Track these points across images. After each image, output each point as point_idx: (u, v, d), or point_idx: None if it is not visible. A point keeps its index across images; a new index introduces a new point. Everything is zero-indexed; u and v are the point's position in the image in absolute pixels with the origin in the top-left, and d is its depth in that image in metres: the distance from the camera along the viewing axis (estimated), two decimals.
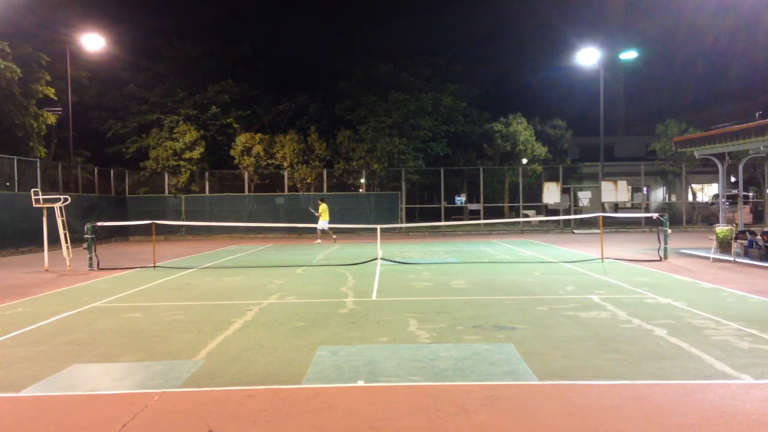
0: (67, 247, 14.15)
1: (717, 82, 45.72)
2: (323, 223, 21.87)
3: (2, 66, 21.40)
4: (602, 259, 14.52)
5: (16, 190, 20.44)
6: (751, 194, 33.64)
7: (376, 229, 16.59)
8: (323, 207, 22.23)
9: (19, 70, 22.13)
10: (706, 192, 41.35)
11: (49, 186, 23.42)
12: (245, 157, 30.33)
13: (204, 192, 29.92)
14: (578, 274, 12.00)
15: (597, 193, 30.73)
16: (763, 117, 14.19)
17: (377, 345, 6.33)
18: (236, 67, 35.96)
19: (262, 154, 30.26)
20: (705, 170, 35.13)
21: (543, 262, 14.45)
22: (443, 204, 30.54)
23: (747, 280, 10.84)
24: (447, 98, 34.44)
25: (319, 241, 22.66)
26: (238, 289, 10.71)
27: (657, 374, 5.16)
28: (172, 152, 29.54)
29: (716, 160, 17.20)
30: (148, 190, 30.35)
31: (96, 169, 27.73)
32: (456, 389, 4.84)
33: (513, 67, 60.46)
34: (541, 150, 35.01)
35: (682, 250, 16.61)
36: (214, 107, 31.77)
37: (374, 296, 9.62)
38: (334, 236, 22.75)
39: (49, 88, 24.64)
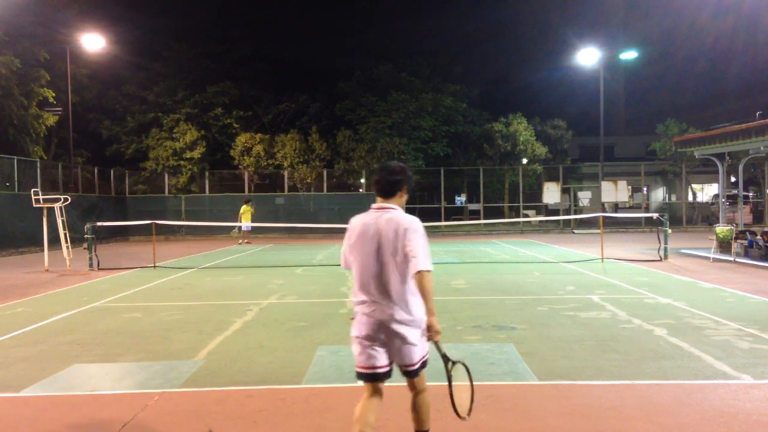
0: (68, 247, 14.14)
1: (717, 82, 45.71)
2: (246, 224, 22.40)
3: (1, 60, 21.37)
4: (602, 259, 14.52)
5: (16, 190, 20.43)
6: (751, 194, 33.64)
7: None
8: (244, 208, 22.67)
9: (17, 61, 22.09)
10: (706, 192, 41.33)
11: (49, 186, 23.40)
12: (245, 157, 30.32)
13: (204, 192, 29.92)
14: (578, 274, 12.00)
15: (597, 193, 30.72)
16: (763, 117, 14.18)
17: None
18: (236, 68, 35.89)
19: (262, 154, 30.26)
20: (705, 170, 35.11)
21: (543, 262, 14.45)
22: (443, 204, 30.53)
23: (747, 280, 10.83)
24: (447, 99, 34.38)
25: (247, 240, 23.16)
26: (238, 289, 10.71)
27: (657, 374, 5.16)
28: (172, 152, 29.52)
29: (716, 160, 17.19)
30: (147, 189, 30.34)
31: (96, 169, 27.73)
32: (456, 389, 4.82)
33: (513, 67, 60.46)
34: (541, 150, 34.96)
35: (682, 250, 16.59)
36: (218, 109, 31.74)
37: None
38: (240, 240, 23.38)
39: (48, 90, 24.63)
